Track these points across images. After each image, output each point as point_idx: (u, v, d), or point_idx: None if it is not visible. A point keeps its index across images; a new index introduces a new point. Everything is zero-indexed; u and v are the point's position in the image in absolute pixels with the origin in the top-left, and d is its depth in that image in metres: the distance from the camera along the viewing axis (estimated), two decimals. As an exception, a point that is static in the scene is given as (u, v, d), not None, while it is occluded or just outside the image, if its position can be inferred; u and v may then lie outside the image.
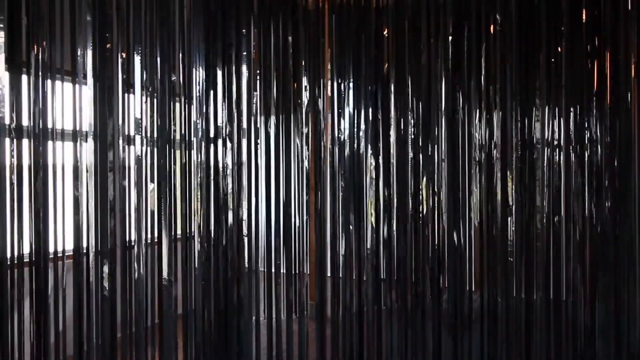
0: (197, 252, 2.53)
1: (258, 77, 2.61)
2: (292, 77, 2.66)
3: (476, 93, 2.53)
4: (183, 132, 2.49)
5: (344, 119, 2.66)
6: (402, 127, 2.60)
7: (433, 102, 2.56)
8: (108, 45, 2.25)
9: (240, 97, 2.59)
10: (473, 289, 2.57)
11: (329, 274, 2.73)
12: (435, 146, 2.57)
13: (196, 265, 2.53)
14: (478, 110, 2.53)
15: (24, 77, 2.16)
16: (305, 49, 2.66)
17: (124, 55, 2.31)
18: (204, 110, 2.52)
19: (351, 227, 2.64)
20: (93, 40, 2.22)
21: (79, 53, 2.23)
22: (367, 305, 2.66)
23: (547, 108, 2.48)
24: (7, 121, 2.10)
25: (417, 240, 2.59)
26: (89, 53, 2.22)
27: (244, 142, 2.60)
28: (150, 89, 2.36)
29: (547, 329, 2.49)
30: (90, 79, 2.22)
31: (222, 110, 2.57)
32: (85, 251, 2.24)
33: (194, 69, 2.52)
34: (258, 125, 2.61)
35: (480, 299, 2.55)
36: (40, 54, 2.15)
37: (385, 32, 2.63)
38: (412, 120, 2.59)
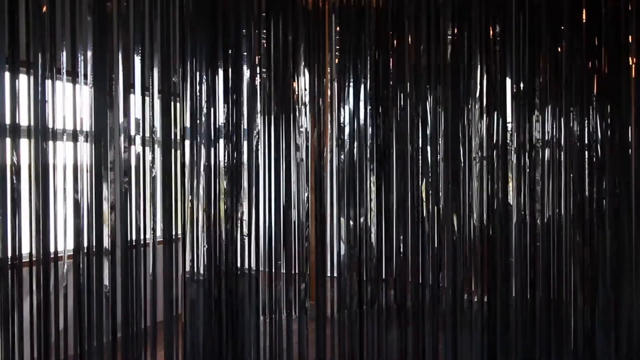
0: (197, 252, 2.53)
1: (258, 77, 2.61)
2: (292, 77, 2.66)
3: (476, 93, 2.52)
4: (183, 132, 2.49)
5: (344, 118, 2.65)
6: (402, 127, 2.60)
7: (433, 102, 2.56)
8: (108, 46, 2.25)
9: (241, 97, 2.59)
10: (473, 289, 2.57)
11: (329, 274, 2.73)
12: (436, 146, 2.57)
13: (196, 265, 2.53)
14: (478, 110, 2.53)
15: (24, 77, 2.16)
16: (306, 49, 2.66)
17: (124, 55, 2.31)
18: (204, 111, 2.51)
19: (351, 227, 2.64)
20: (93, 40, 2.22)
21: (79, 53, 2.23)
22: (367, 305, 2.66)
23: (547, 108, 2.48)
24: (7, 121, 2.10)
25: (417, 239, 2.59)
26: (89, 53, 2.22)
27: (244, 142, 2.60)
28: (150, 89, 2.36)
29: (547, 329, 2.49)
30: (90, 79, 2.22)
31: (223, 110, 2.56)
32: (85, 251, 2.24)
33: (194, 69, 2.51)
34: (258, 125, 2.61)
35: (481, 299, 2.55)
36: (40, 54, 2.15)
37: (385, 32, 2.63)
38: (412, 120, 2.59)
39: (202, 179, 2.51)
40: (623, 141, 2.41)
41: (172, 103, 2.44)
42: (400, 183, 2.60)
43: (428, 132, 2.57)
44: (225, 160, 2.56)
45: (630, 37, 2.40)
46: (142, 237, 2.36)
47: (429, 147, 2.57)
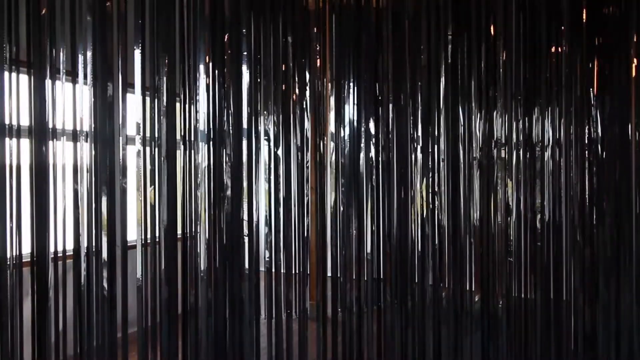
0: (197, 252, 2.53)
1: (258, 77, 2.61)
2: (292, 77, 2.66)
3: (476, 93, 2.52)
4: (183, 132, 2.49)
5: (344, 118, 2.65)
6: (402, 127, 2.60)
7: (433, 102, 2.56)
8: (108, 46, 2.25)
9: (241, 97, 2.59)
10: (473, 289, 2.57)
11: (329, 274, 2.73)
12: (435, 146, 2.57)
13: (196, 265, 2.53)
14: (478, 110, 2.53)
15: (24, 77, 2.16)
16: (306, 48, 2.66)
17: (124, 55, 2.31)
18: (204, 111, 2.51)
19: (351, 227, 2.64)
20: (93, 40, 2.22)
21: (79, 53, 2.23)
22: (367, 305, 2.66)
23: (547, 108, 2.48)
24: (7, 121, 2.10)
25: (417, 239, 2.59)
26: (89, 53, 2.22)
27: (244, 142, 2.60)
28: (150, 89, 2.36)
29: (547, 329, 2.49)
30: (90, 79, 2.22)
31: (222, 110, 2.56)
32: (85, 251, 2.24)
33: (194, 69, 2.51)
34: (258, 125, 2.61)
35: (480, 299, 2.55)
36: (40, 54, 2.16)
37: (385, 32, 2.63)
38: (412, 120, 2.59)
39: (202, 179, 2.51)
40: (623, 141, 2.41)
41: (172, 103, 2.44)
42: (400, 183, 2.60)
43: (428, 132, 2.57)
44: (225, 161, 2.55)
45: (630, 36, 2.40)
46: (142, 237, 2.36)
47: (429, 147, 2.57)
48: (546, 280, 2.48)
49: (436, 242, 2.57)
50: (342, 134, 2.66)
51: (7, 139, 2.11)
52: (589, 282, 2.45)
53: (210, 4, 2.49)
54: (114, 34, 2.26)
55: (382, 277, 2.66)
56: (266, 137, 2.63)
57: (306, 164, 2.67)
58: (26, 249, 2.18)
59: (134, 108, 2.32)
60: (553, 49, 2.48)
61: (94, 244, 2.24)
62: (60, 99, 2.21)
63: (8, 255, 2.10)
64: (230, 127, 2.55)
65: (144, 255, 2.35)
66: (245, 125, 2.59)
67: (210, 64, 2.51)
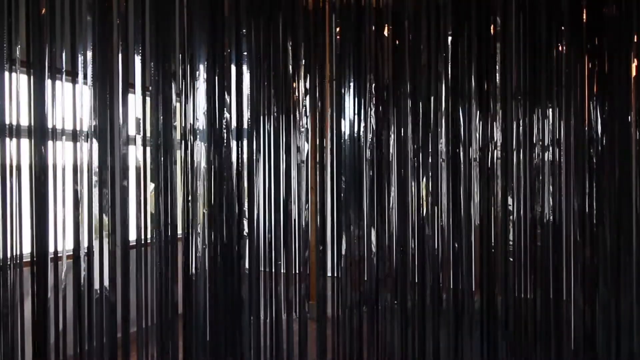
0: (197, 252, 2.53)
1: (258, 77, 2.61)
2: (292, 77, 2.66)
3: (476, 93, 2.52)
4: (183, 132, 2.49)
5: (344, 118, 2.65)
6: (402, 127, 2.60)
7: (433, 102, 2.56)
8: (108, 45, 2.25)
9: (241, 97, 2.59)
10: (473, 289, 2.57)
11: (329, 274, 2.73)
12: (436, 146, 2.56)
13: (196, 265, 2.53)
14: (478, 110, 2.53)
15: (24, 77, 2.16)
16: (306, 49, 2.65)
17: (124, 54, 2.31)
18: (204, 110, 2.51)
19: (351, 227, 2.64)
20: (93, 40, 2.22)
21: (78, 53, 2.23)
22: (367, 305, 2.66)
23: (547, 108, 2.48)
24: (7, 121, 2.10)
25: (417, 240, 2.59)
26: (89, 53, 2.22)
27: (244, 142, 2.60)
28: (150, 89, 2.36)
29: (547, 329, 2.49)
30: (90, 79, 2.22)
31: (222, 110, 2.56)
32: (85, 251, 2.24)
33: (194, 69, 2.51)
34: (258, 125, 2.61)
35: (480, 299, 2.55)
36: (40, 54, 2.16)
37: (385, 32, 2.63)
38: (412, 120, 2.59)
39: (202, 179, 2.51)
40: (623, 141, 2.41)
41: (172, 103, 2.44)
42: (400, 183, 2.60)
43: (428, 132, 2.57)
44: (226, 161, 2.55)
45: (630, 36, 2.40)
46: (142, 237, 2.36)
47: (429, 147, 2.57)
48: (546, 280, 2.48)
49: (436, 242, 2.57)
50: (342, 134, 2.65)
51: (7, 139, 2.11)
52: (589, 282, 2.45)
53: (210, 4, 2.49)
54: (114, 34, 2.26)
55: (382, 277, 2.66)
56: (266, 137, 2.63)
57: (306, 163, 2.67)
58: (26, 249, 2.18)
59: (134, 108, 2.32)
60: (553, 49, 2.47)
61: (94, 244, 2.24)
62: (60, 99, 2.21)
63: (8, 255, 2.10)
64: (230, 127, 2.55)
65: (144, 255, 2.35)
66: (245, 125, 2.59)
67: (210, 64, 2.51)
